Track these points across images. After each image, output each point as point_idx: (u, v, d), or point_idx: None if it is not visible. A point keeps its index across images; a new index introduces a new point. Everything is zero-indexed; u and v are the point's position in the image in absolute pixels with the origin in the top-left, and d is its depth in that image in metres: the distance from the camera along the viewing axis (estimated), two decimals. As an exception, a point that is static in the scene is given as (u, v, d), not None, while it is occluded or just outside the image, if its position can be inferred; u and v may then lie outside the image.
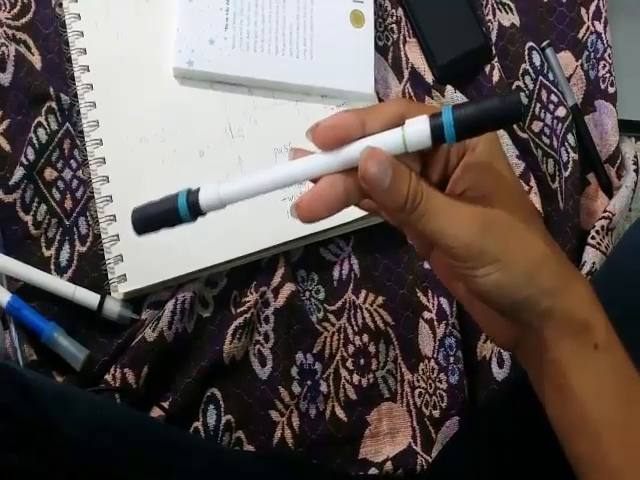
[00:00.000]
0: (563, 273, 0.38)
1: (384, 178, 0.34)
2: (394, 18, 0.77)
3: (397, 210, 0.35)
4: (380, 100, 0.74)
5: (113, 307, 0.63)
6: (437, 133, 0.34)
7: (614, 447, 0.38)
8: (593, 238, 0.69)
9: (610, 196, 0.73)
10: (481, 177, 0.37)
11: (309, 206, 0.35)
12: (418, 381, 0.67)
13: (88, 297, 0.63)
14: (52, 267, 0.65)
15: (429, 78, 0.75)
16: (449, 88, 0.74)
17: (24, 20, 0.70)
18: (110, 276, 0.64)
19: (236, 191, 0.36)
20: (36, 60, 0.69)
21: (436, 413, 0.65)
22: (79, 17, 0.70)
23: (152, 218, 0.38)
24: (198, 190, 0.36)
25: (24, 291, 0.63)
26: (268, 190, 0.36)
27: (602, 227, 0.69)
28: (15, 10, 0.70)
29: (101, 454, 0.49)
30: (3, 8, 0.70)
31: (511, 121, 0.36)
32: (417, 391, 0.67)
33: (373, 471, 0.64)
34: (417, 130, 0.34)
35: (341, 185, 0.35)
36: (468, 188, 0.37)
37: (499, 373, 0.64)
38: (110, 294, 0.64)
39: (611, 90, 0.76)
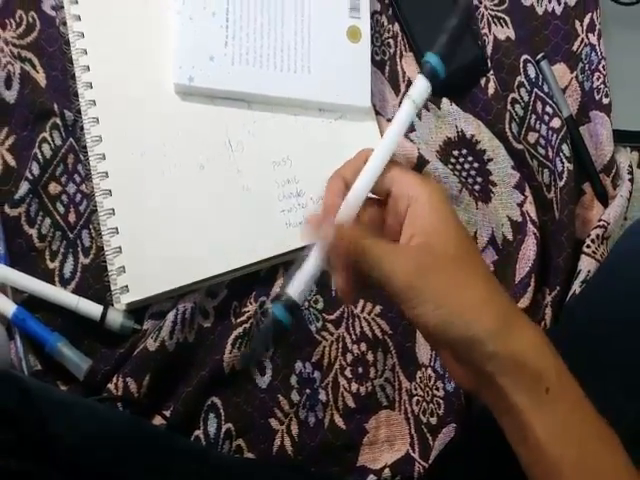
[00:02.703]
0: (508, 317, 0.39)
1: (327, 237, 0.41)
2: (391, 33, 0.79)
3: (344, 261, 0.40)
4: (377, 113, 0.75)
5: (115, 318, 0.64)
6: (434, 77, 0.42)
7: None
8: (588, 247, 0.70)
9: (606, 205, 0.74)
10: (423, 223, 0.40)
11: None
12: (416, 389, 0.68)
13: (91, 308, 0.64)
14: (56, 279, 0.66)
15: (425, 91, 0.76)
16: (445, 101, 0.76)
17: (29, 39, 0.72)
18: (112, 287, 0.65)
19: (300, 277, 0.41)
20: (41, 78, 0.71)
21: (433, 420, 0.66)
22: (82, 35, 0.71)
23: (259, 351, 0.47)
24: (282, 297, 0.41)
25: (29, 302, 0.64)
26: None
27: (597, 236, 0.70)
28: (20, 29, 0.72)
29: (101, 459, 0.50)
30: (9, 28, 0.72)
31: (468, 16, 0.43)
32: (415, 399, 0.67)
33: (371, 478, 0.64)
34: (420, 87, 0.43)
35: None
36: (414, 234, 0.40)
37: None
38: (112, 305, 0.65)
39: (605, 101, 0.77)
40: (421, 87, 0.43)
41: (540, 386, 0.38)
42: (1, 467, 0.42)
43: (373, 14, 0.78)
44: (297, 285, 0.40)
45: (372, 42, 0.77)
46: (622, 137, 0.77)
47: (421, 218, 0.40)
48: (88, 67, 0.71)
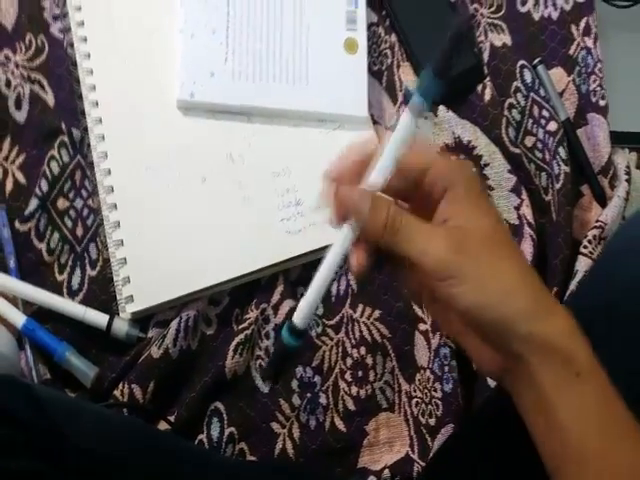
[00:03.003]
0: (542, 301, 0.39)
1: (363, 206, 0.39)
2: (388, 44, 0.80)
3: (376, 235, 0.39)
4: (375, 122, 0.77)
5: (121, 327, 0.66)
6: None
7: (599, 474, 0.39)
8: (585, 247, 0.70)
9: (604, 207, 0.74)
10: (461, 208, 0.40)
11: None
12: (415, 391, 0.69)
13: (97, 318, 0.67)
14: (64, 291, 0.69)
15: (423, 99, 0.78)
16: (442, 108, 0.77)
17: (38, 61, 0.75)
18: (118, 297, 0.67)
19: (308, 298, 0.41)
20: (49, 98, 0.74)
21: (432, 421, 0.66)
22: (89, 56, 0.74)
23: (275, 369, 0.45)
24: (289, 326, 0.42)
25: (39, 314, 0.67)
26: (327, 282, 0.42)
27: (594, 236, 0.71)
28: (30, 52, 0.75)
29: (108, 461, 0.51)
30: (19, 51, 0.75)
31: (463, 34, 0.41)
32: (414, 401, 0.68)
33: (371, 479, 0.65)
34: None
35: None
36: (448, 218, 0.40)
37: (494, 381, 0.66)
38: (118, 314, 0.67)
39: (602, 103, 0.78)
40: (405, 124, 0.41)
41: (570, 369, 0.38)
42: (11, 467, 0.44)
43: (370, 26, 0.80)
44: (300, 310, 0.41)
45: (369, 53, 0.78)
46: (620, 138, 0.78)
47: (458, 203, 0.40)
48: (94, 86, 0.73)
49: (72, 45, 0.75)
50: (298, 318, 0.41)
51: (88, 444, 0.50)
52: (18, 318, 0.65)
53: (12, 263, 0.68)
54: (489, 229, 0.40)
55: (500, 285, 0.38)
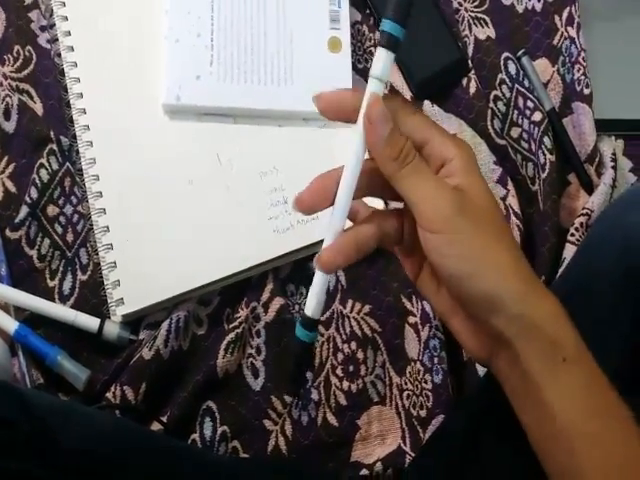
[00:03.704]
0: (532, 284, 0.39)
1: (386, 126, 0.38)
2: (372, 42, 0.81)
3: (391, 158, 0.38)
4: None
5: (112, 329, 0.67)
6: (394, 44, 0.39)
7: (587, 459, 0.38)
8: (572, 235, 0.70)
9: (591, 194, 0.74)
10: (463, 179, 0.39)
11: (330, 258, 0.40)
12: (406, 384, 0.69)
13: (88, 321, 0.67)
14: (56, 296, 0.69)
15: (407, 95, 0.78)
16: (427, 103, 0.77)
17: (26, 72, 0.76)
18: (109, 300, 0.68)
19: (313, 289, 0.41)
20: (38, 107, 0.75)
21: (423, 413, 0.67)
22: (76, 65, 0.75)
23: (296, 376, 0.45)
24: (302, 317, 0.42)
25: (31, 319, 0.67)
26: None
27: (581, 224, 0.71)
28: (18, 63, 0.76)
29: (101, 463, 0.52)
30: (7, 63, 0.76)
31: None
32: (405, 393, 0.69)
33: (364, 472, 0.66)
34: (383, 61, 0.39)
35: (353, 240, 0.40)
36: (453, 185, 0.39)
37: (483, 371, 0.66)
38: (109, 317, 0.68)
39: (586, 92, 0.78)
40: (384, 61, 0.40)
41: (557, 354, 0.38)
42: (9, 467, 0.45)
43: (354, 24, 0.81)
44: (310, 301, 0.41)
45: (354, 51, 0.79)
46: (605, 126, 0.78)
47: (462, 175, 0.39)
48: (81, 94, 0.74)
49: (59, 55, 0.76)
50: (309, 307, 0.41)
51: (81, 446, 0.50)
52: (10, 324, 0.66)
53: (3, 271, 0.68)
54: (491, 205, 0.40)
55: (494, 259, 0.38)
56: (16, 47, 0.76)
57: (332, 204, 0.40)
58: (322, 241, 0.39)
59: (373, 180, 0.41)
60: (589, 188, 0.75)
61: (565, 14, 0.82)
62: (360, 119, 0.39)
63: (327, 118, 0.41)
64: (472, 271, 0.38)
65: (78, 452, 0.50)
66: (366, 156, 0.39)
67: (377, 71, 0.40)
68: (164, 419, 0.66)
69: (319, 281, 0.41)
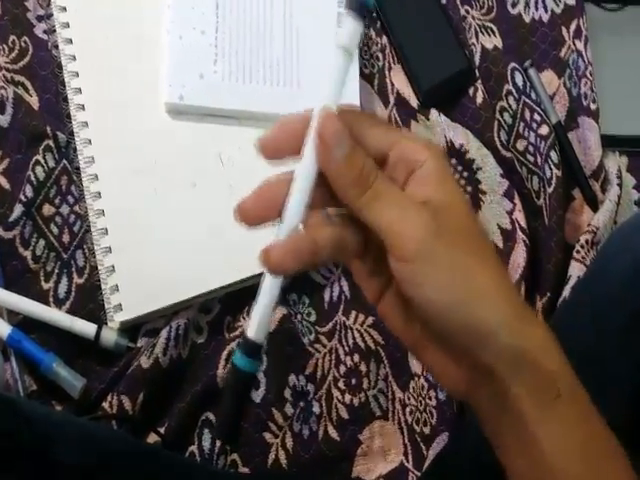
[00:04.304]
0: (520, 309, 0.35)
1: (341, 144, 0.33)
2: (379, 46, 0.80)
3: (350, 184, 0.33)
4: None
5: (109, 336, 0.65)
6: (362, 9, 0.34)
7: None
8: (578, 252, 0.70)
9: (595, 210, 0.74)
10: (432, 193, 0.34)
11: (279, 257, 0.34)
12: (409, 399, 0.68)
13: (85, 327, 0.65)
14: (51, 299, 0.67)
15: (414, 102, 0.77)
16: (433, 111, 0.76)
17: (22, 63, 0.73)
18: (106, 306, 0.66)
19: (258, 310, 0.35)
20: (34, 101, 0.72)
21: (426, 430, 0.66)
22: (74, 58, 0.72)
23: (232, 414, 0.36)
24: (242, 341, 0.35)
25: (24, 323, 0.65)
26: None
27: (587, 241, 0.70)
28: (13, 54, 0.73)
29: (96, 475, 0.50)
30: (2, 53, 0.73)
31: None
32: (408, 409, 0.68)
33: (366, 489, 0.65)
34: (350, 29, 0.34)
35: (310, 241, 0.34)
36: (423, 200, 0.34)
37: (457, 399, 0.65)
38: (106, 324, 0.66)
39: (593, 106, 0.78)
40: (351, 28, 0.34)
41: (551, 389, 0.34)
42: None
43: (361, 28, 0.79)
44: (253, 320, 0.35)
45: (360, 55, 0.78)
46: (611, 142, 0.78)
47: (428, 187, 0.34)
48: (80, 89, 0.72)
49: (57, 47, 0.73)
50: (251, 330, 0.34)
51: (75, 460, 0.49)
52: (3, 328, 0.63)
53: (-4, 271, 0.66)
54: (469, 220, 0.35)
55: (479, 284, 0.34)
56: (11, 37, 0.73)
57: (277, 217, 0.35)
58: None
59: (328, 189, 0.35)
60: (593, 204, 0.75)
61: (573, 27, 0.81)
62: (311, 135, 0.34)
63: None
64: (454, 301, 0.33)
65: (75, 467, 0.49)
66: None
67: (343, 40, 0.34)
68: (161, 430, 0.64)
69: (266, 293, 0.34)
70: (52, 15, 0.74)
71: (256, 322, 0.34)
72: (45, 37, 0.74)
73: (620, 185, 0.74)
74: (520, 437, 0.35)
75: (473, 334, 0.33)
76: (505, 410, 0.35)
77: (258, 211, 0.36)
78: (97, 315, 0.66)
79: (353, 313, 0.70)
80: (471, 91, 0.78)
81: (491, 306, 0.33)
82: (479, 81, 0.78)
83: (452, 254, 0.33)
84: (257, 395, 0.67)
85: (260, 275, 0.67)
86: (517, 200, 0.72)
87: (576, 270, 0.69)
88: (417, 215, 0.33)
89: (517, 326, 0.34)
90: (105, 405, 0.63)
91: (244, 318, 0.68)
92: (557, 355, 0.35)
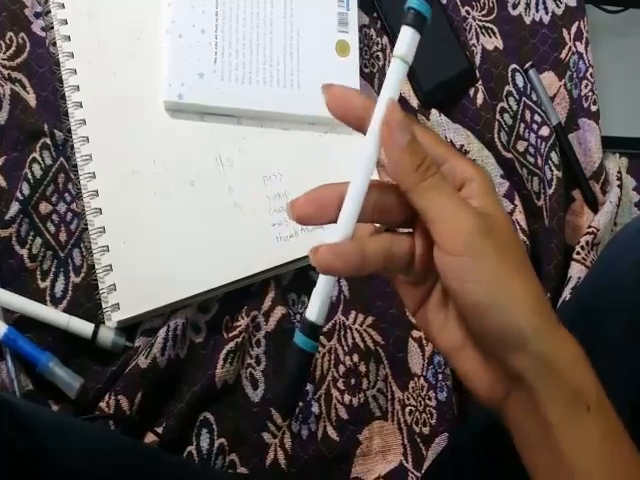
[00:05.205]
0: (555, 323, 0.36)
1: (406, 133, 0.34)
2: (379, 46, 0.79)
3: (410, 169, 0.35)
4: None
5: (107, 336, 0.64)
6: (420, 22, 0.36)
7: None
8: (578, 253, 0.70)
9: (595, 212, 0.74)
10: (485, 202, 0.36)
11: (326, 258, 0.34)
12: (408, 399, 0.68)
13: (82, 326, 0.64)
14: (47, 298, 0.66)
15: (414, 103, 0.77)
16: (434, 112, 0.76)
17: (19, 60, 0.73)
18: (104, 305, 0.65)
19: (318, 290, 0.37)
20: (31, 98, 0.72)
21: (426, 430, 0.66)
22: (72, 55, 0.72)
23: (292, 390, 0.37)
24: (302, 322, 0.37)
25: (20, 322, 0.64)
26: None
27: (587, 242, 0.70)
28: (10, 51, 0.73)
29: (92, 476, 0.49)
30: (-1, 49, 0.72)
31: None
32: (407, 409, 0.67)
33: (365, 490, 0.64)
34: (408, 40, 0.36)
35: (362, 249, 0.35)
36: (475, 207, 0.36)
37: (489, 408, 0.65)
38: (104, 323, 0.65)
39: (594, 108, 0.77)
40: (409, 40, 0.36)
41: (581, 402, 0.35)
42: None
43: (362, 28, 0.79)
44: (313, 303, 0.36)
45: (361, 55, 0.77)
46: (611, 143, 0.78)
47: (476, 202, 0.36)
48: (78, 87, 0.71)
49: (55, 44, 0.73)
50: (311, 312, 0.36)
51: (73, 463, 0.48)
52: (-1, 327, 0.63)
53: (-8, 270, 0.65)
54: (513, 233, 0.37)
55: (518, 290, 0.34)
56: (9, 34, 0.73)
57: (329, 221, 0.36)
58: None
59: (380, 201, 0.37)
60: (594, 205, 0.75)
61: (574, 29, 0.81)
62: (374, 126, 0.35)
63: (331, 113, 0.37)
64: (495, 300, 0.34)
65: (74, 471, 0.48)
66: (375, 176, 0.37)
67: (402, 50, 0.35)
68: (159, 430, 0.63)
69: (325, 280, 0.36)
70: (50, 12, 0.73)
71: (317, 305, 0.36)
72: (43, 34, 0.73)
73: (620, 187, 0.74)
74: (546, 446, 0.35)
75: (508, 336, 0.34)
76: (534, 421, 0.35)
77: (309, 211, 0.36)
78: (94, 314, 0.66)
79: (352, 313, 0.69)
80: (472, 92, 0.78)
81: (527, 313, 0.34)
82: (480, 82, 0.78)
83: (498, 255, 0.34)
84: (256, 395, 0.66)
85: (258, 275, 0.68)
86: (517, 201, 0.72)
87: (576, 271, 0.69)
88: (470, 212, 0.35)
89: (550, 337, 0.35)
90: (102, 405, 0.62)
91: (242, 318, 0.67)
92: (587, 369, 0.36)
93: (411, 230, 0.38)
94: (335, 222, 0.36)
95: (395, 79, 0.36)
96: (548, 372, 0.35)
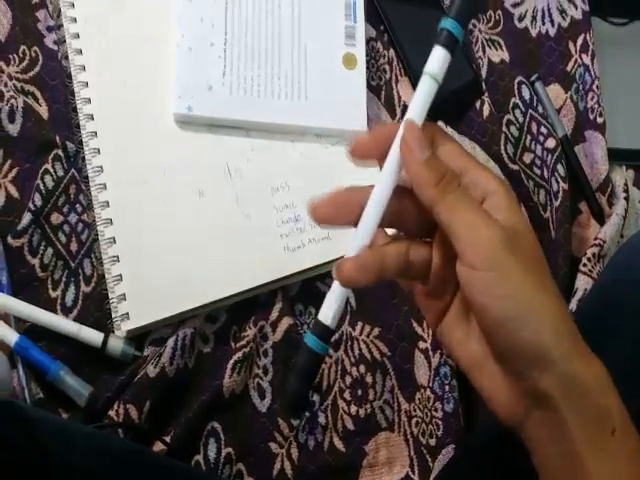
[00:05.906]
0: (580, 342, 0.35)
1: (424, 150, 0.35)
2: (386, 59, 0.80)
3: (430, 185, 0.35)
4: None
5: (116, 345, 0.65)
6: (453, 43, 0.37)
7: None
8: (585, 265, 0.70)
9: (602, 224, 0.74)
10: (508, 216, 0.36)
11: (350, 272, 0.35)
12: (415, 410, 0.68)
13: (92, 335, 0.65)
14: (58, 307, 0.67)
15: (420, 114, 0.77)
16: (440, 124, 0.76)
17: (32, 73, 0.74)
18: (113, 315, 0.66)
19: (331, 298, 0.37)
20: (43, 110, 0.73)
21: (432, 442, 0.66)
22: (84, 69, 0.73)
23: (301, 392, 0.38)
24: (314, 324, 0.37)
25: (31, 331, 0.65)
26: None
27: (593, 254, 0.70)
28: (23, 64, 0.74)
29: None
30: (12, 63, 0.74)
31: None
32: (414, 420, 0.68)
33: (371, 501, 0.65)
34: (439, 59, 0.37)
35: (380, 259, 0.36)
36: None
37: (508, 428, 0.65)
38: (113, 332, 0.66)
39: (600, 120, 0.78)
40: (442, 59, 0.37)
41: (607, 424, 0.34)
42: None
43: (369, 41, 0.80)
44: (327, 306, 0.36)
45: (368, 68, 0.78)
46: (617, 155, 0.78)
47: (500, 214, 0.35)
48: (89, 99, 0.72)
49: (67, 57, 0.74)
50: (324, 315, 0.36)
51: (81, 469, 0.49)
52: (10, 336, 0.64)
53: (4, 279, 0.66)
54: (538, 249, 0.36)
55: (544, 306, 0.34)
56: (22, 47, 0.74)
57: (350, 224, 0.37)
58: (334, 261, 0.36)
59: (401, 208, 0.38)
60: (600, 218, 0.75)
61: (580, 41, 0.82)
62: (396, 143, 0.36)
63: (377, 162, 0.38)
64: (521, 316, 0.33)
65: (77, 475, 0.48)
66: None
67: (434, 68, 0.37)
68: (167, 439, 0.64)
69: (339, 286, 0.36)
70: (62, 26, 0.74)
71: (332, 309, 0.36)
72: (55, 48, 0.75)
73: (627, 199, 0.74)
74: (570, 470, 0.34)
75: (532, 354, 0.34)
76: (557, 440, 0.34)
77: (330, 214, 0.37)
78: (104, 323, 0.66)
79: (359, 324, 0.70)
80: (478, 104, 0.78)
81: (552, 329, 0.34)
82: (486, 94, 0.78)
83: (522, 271, 0.34)
84: (263, 405, 0.67)
85: (265, 285, 0.68)
86: (524, 213, 0.72)
87: (583, 283, 0.69)
88: (494, 226, 0.34)
89: (576, 356, 0.34)
90: (111, 413, 0.63)
91: (250, 328, 0.68)
92: (612, 391, 0.35)
93: (429, 239, 0.39)
94: (354, 226, 0.37)
95: (424, 97, 0.37)
96: (574, 393, 0.34)
